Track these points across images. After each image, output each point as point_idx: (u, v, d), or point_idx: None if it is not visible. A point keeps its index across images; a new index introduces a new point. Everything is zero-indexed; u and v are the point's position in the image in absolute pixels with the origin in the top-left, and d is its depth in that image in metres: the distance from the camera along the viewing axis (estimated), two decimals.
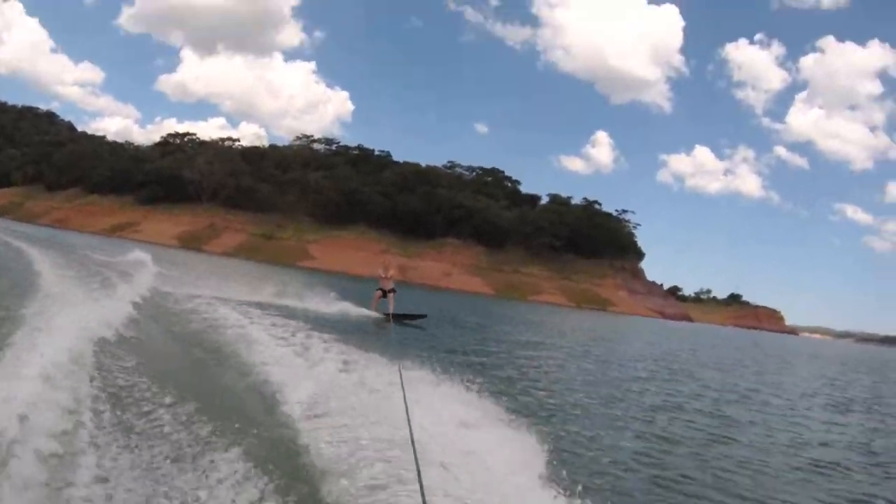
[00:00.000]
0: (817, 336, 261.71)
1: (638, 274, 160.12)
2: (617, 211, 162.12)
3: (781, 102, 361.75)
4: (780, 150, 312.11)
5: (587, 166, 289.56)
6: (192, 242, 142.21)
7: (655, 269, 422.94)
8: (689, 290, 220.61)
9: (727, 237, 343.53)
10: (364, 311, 25.50)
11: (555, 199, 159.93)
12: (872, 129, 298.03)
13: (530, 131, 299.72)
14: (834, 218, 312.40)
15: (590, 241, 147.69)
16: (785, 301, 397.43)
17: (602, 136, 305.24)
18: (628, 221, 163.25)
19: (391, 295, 26.47)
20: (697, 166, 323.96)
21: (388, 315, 24.67)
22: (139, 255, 31.34)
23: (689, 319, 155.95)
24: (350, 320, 22.64)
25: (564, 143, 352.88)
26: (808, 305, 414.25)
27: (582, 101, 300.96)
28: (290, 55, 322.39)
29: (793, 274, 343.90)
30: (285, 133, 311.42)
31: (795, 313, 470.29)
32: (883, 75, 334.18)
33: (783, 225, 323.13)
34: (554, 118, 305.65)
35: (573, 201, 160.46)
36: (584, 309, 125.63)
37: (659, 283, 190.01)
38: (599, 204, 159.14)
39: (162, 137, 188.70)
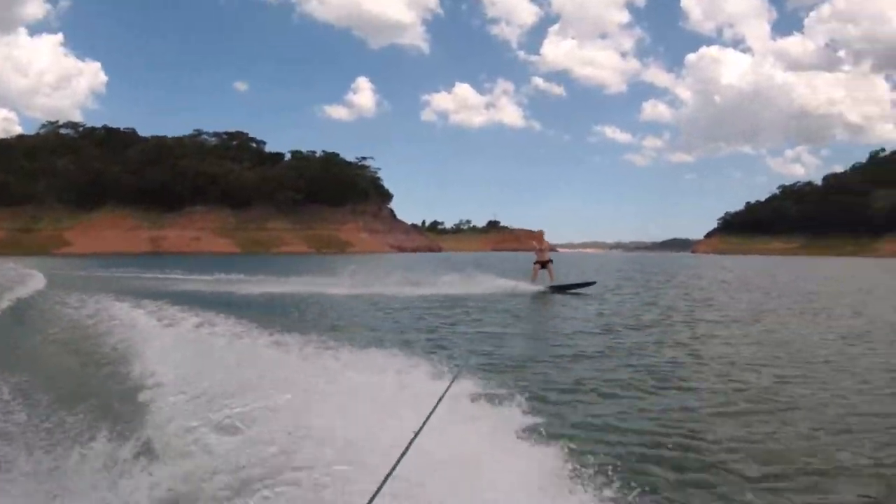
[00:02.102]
0: (590, 250, 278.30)
1: (379, 215, 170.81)
2: (357, 159, 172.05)
3: (536, 35, 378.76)
4: (538, 81, 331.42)
5: (350, 113, 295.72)
6: None
7: (418, 206, 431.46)
8: (452, 222, 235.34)
9: (494, 169, 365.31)
10: (526, 286, 26.64)
11: (295, 154, 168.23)
12: (623, 54, 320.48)
13: (291, 85, 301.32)
14: (594, 139, 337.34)
15: (331, 190, 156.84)
16: (558, 220, 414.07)
17: (363, 82, 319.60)
18: (368, 167, 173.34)
19: (550, 265, 27.37)
20: (460, 103, 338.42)
21: (552, 287, 26.40)
22: None
23: (438, 250, 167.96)
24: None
25: (326, 93, 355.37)
26: (580, 223, 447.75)
27: (340, 49, 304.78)
28: (35, 29, 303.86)
29: (562, 195, 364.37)
30: (39, 114, 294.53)
31: (570, 231, 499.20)
32: (630, 5, 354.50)
33: (547, 151, 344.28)
34: (314, 69, 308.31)
35: (316, 154, 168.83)
36: (323, 254, 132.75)
37: (420, 220, 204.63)
38: (338, 154, 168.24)
39: None
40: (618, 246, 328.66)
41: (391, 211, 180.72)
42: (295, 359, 8.97)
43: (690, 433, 7.12)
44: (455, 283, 27.34)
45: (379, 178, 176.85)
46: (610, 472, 5.05)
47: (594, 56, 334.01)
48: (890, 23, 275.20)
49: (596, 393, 8.92)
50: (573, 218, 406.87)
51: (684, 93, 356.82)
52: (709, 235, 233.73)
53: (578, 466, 5.05)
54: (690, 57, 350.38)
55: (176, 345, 10.51)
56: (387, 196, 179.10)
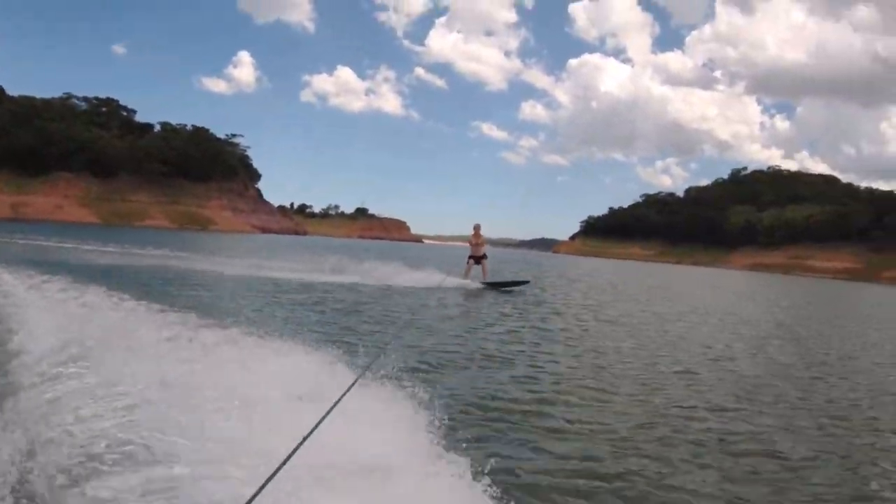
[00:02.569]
0: (458, 243, 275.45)
1: (245, 194, 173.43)
2: (227, 135, 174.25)
3: (422, 26, 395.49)
4: (421, 72, 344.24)
5: (230, 87, 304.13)
6: None
7: (291, 188, 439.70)
8: (321, 206, 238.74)
9: (369, 155, 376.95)
10: (458, 281, 25.20)
11: (165, 126, 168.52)
12: (507, 53, 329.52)
13: (171, 53, 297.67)
14: (472, 134, 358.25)
15: (198, 165, 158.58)
16: (429, 212, 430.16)
17: (245, 56, 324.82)
18: (238, 145, 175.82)
19: (484, 261, 26.05)
20: (340, 86, 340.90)
21: (486, 284, 25.23)
22: None
23: (304, 233, 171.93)
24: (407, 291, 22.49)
25: (207, 65, 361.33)
26: (451, 216, 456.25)
27: (225, 20, 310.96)
28: None
29: (436, 188, 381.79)
30: None
31: (441, 224, 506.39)
32: (518, 5, 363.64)
33: (424, 142, 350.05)
34: (196, 39, 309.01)
35: (187, 127, 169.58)
36: (185, 230, 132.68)
37: (289, 202, 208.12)
38: (208, 130, 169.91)
39: None
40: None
41: (258, 191, 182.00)
42: (184, 342, 8.36)
43: (620, 440, 7.06)
44: (376, 273, 26.15)
45: (248, 157, 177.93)
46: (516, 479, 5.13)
47: (478, 52, 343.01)
48: (766, 49, 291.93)
49: (511, 401, 8.31)
50: (444, 211, 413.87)
51: (563, 96, 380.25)
52: (573, 238, 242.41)
53: (489, 475, 4.85)
54: (572, 62, 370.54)
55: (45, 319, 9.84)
56: (255, 175, 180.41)
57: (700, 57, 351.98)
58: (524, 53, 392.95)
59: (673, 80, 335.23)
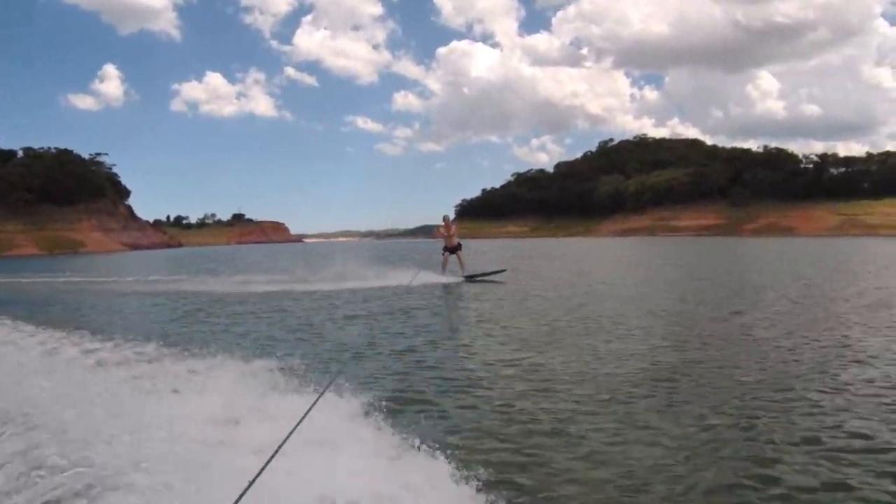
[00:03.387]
0: (342, 239, 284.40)
1: (115, 212, 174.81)
2: (91, 155, 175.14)
3: (289, 25, 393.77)
4: (291, 71, 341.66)
5: (97, 102, 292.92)
6: None
7: (168, 200, 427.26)
8: (197, 216, 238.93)
9: (244, 160, 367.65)
10: (436, 278, 23.67)
11: (27, 151, 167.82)
12: (376, 46, 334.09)
13: (34, 71, 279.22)
14: (346, 130, 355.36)
15: (64, 188, 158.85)
16: (311, 211, 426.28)
17: (111, 70, 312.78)
18: (103, 164, 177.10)
19: (460, 252, 24.82)
20: (210, 92, 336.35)
21: (466, 277, 24.04)
22: None
23: (178, 245, 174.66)
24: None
25: (72, 81, 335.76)
26: (334, 213, 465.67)
27: (88, 33, 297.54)
28: None
29: (315, 186, 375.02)
30: None
31: (324, 221, 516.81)
32: None
33: (300, 141, 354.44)
34: (59, 55, 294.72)
35: (51, 150, 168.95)
36: (56, 255, 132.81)
37: (166, 215, 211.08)
38: (72, 151, 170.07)
39: None
40: (370, 234, 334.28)
41: (129, 208, 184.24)
42: (125, 369, 8.47)
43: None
44: (346, 277, 24.08)
45: (115, 175, 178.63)
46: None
47: (347, 47, 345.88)
48: (630, 24, 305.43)
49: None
50: (326, 208, 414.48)
51: (434, 84, 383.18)
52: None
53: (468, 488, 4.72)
54: (441, 50, 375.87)
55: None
56: (124, 192, 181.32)
57: (567, 36, 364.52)
58: (393, 45, 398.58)
59: (542, 60, 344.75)
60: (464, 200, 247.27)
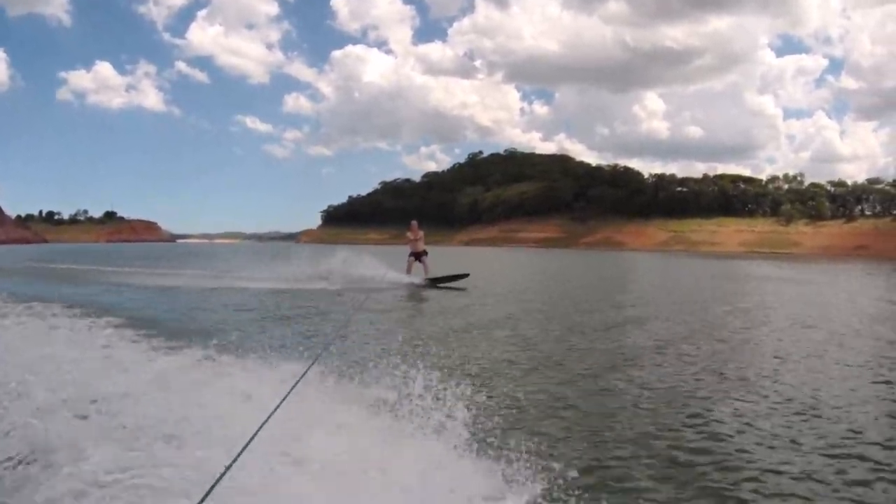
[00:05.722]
0: (226, 241, 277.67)
1: None
2: None
3: (183, 19, 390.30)
4: (182, 66, 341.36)
5: None
6: None
7: (47, 193, 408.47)
8: (70, 212, 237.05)
9: (130, 155, 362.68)
10: (402, 278, 24.53)
11: None
12: (270, 46, 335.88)
13: None
14: (235, 129, 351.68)
15: None
16: (195, 211, 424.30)
17: None
18: None
19: (425, 258, 25.62)
20: (99, 82, 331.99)
21: (428, 280, 24.64)
22: None
23: (42, 241, 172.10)
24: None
25: None
26: (218, 213, 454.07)
27: None
28: None
29: (201, 185, 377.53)
30: None
31: (207, 222, 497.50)
32: None
33: (187, 138, 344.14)
34: None
35: None
36: None
37: (39, 209, 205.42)
38: None
39: None
40: (254, 236, 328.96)
41: None
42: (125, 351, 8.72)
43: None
44: (317, 274, 24.77)
45: None
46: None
47: (240, 45, 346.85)
48: (522, 40, 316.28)
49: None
50: (211, 208, 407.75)
51: (326, 88, 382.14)
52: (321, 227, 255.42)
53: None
54: (335, 53, 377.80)
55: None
56: None
57: (460, 48, 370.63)
58: (286, 46, 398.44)
59: (434, 69, 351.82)
60: (330, 206, 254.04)
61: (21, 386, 6.29)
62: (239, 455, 2.89)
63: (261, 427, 3.15)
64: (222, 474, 2.65)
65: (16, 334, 11.02)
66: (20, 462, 4.76)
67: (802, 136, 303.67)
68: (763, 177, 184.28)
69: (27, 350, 9.05)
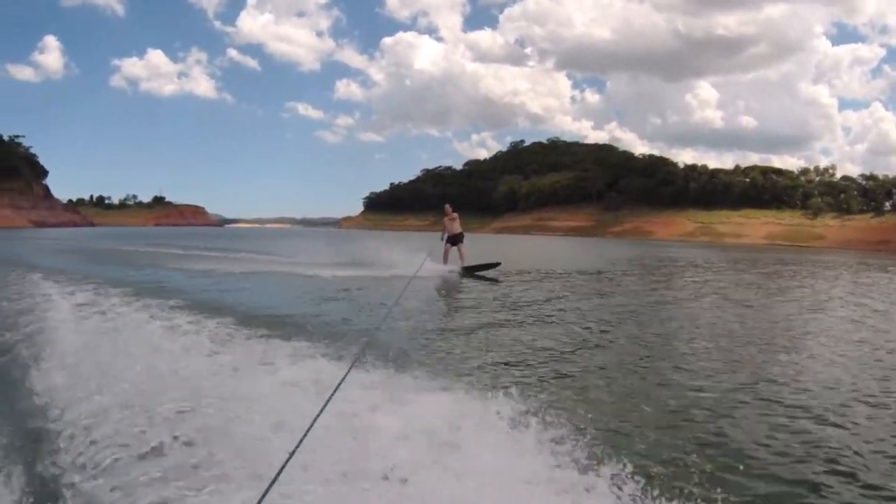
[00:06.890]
0: (277, 225, 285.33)
1: (26, 191, 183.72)
2: (10, 137, 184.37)
3: (233, 7, 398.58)
4: (233, 53, 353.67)
5: (37, 74, 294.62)
6: None
7: (98, 178, 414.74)
8: (120, 196, 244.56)
9: (180, 141, 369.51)
10: (439, 268, 23.08)
11: None
12: (319, 34, 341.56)
13: None
14: (287, 115, 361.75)
15: None
16: (247, 196, 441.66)
17: (51, 41, 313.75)
18: (20, 144, 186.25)
19: (461, 245, 24.31)
20: (151, 70, 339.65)
21: (463, 269, 23.42)
22: None
23: (91, 225, 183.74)
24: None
25: (10, 50, 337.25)
26: (270, 198, 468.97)
27: (30, 2, 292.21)
28: None
29: (253, 171, 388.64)
30: None
31: (260, 207, 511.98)
32: None
33: (239, 125, 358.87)
34: None
35: None
36: None
37: (89, 194, 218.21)
38: None
39: None
40: (304, 221, 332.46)
41: (45, 187, 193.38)
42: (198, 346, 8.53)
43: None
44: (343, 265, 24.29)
45: (34, 155, 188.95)
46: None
47: (290, 33, 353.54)
48: (573, 27, 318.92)
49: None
50: (263, 194, 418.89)
51: (377, 74, 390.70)
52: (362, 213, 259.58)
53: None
54: (386, 40, 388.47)
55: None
56: (41, 172, 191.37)
57: (511, 35, 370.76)
58: (337, 34, 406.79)
59: (484, 56, 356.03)
60: (372, 193, 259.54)
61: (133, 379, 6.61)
62: (301, 440, 3.16)
63: (321, 411, 3.46)
64: (287, 461, 2.93)
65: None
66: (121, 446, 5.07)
67: (859, 127, 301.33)
68: (795, 169, 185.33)
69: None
